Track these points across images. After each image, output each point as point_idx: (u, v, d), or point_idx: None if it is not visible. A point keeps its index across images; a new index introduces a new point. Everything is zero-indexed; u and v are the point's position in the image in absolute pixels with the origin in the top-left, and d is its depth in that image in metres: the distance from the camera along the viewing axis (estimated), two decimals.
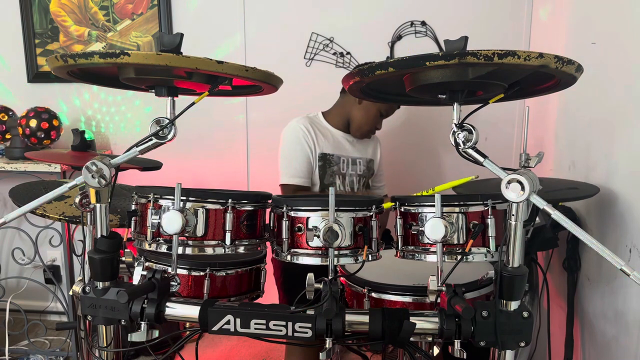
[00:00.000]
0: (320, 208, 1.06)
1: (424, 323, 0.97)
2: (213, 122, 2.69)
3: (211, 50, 2.64)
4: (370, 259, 1.08)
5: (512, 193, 0.88)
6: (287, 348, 1.90)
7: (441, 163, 2.62)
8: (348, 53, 2.54)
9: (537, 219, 1.50)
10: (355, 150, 2.01)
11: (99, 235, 1.02)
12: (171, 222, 1.00)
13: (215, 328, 0.98)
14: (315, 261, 1.06)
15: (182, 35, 0.92)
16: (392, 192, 2.16)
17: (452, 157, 2.51)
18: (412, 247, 1.09)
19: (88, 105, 2.83)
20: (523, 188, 0.87)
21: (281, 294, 1.87)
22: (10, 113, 2.62)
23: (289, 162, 1.89)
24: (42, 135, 2.52)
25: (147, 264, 1.21)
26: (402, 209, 1.11)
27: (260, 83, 1.04)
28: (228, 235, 1.08)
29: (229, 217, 1.08)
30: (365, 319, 0.97)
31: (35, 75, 2.80)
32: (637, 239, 1.27)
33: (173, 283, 1.05)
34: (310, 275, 1.03)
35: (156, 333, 1.04)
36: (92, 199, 1.00)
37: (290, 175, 1.88)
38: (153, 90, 1.04)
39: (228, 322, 0.98)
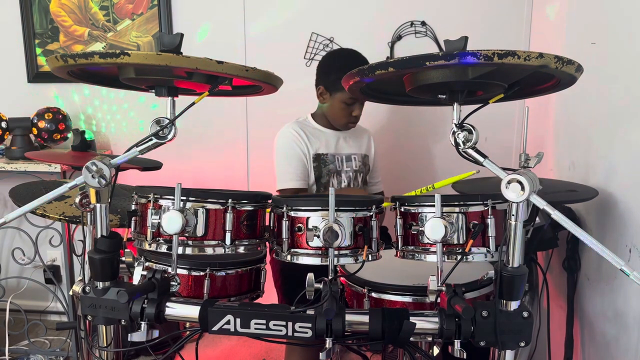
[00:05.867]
0: (320, 208, 1.06)
1: (424, 323, 0.97)
2: (213, 122, 2.69)
3: (211, 51, 2.64)
4: (370, 259, 1.08)
5: (512, 193, 0.88)
6: (287, 348, 1.90)
7: (439, 162, 2.62)
8: None
9: (537, 219, 1.50)
10: (348, 146, 2.01)
11: (99, 235, 1.02)
12: (171, 222, 1.00)
13: (215, 328, 0.99)
14: (315, 261, 1.06)
15: (182, 35, 0.92)
16: (390, 191, 2.16)
17: (451, 157, 2.51)
18: (412, 247, 1.09)
19: (88, 105, 2.83)
20: (523, 188, 0.87)
21: (280, 297, 1.87)
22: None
23: (283, 167, 1.90)
24: (52, 135, 2.57)
25: (147, 264, 1.21)
26: (402, 209, 1.11)
27: (260, 83, 1.04)
28: (228, 235, 1.08)
29: (229, 217, 1.08)
30: (365, 319, 0.97)
31: (35, 75, 2.80)
32: (636, 239, 1.27)
33: (173, 283, 1.05)
34: (310, 275, 1.03)
35: (156, 333, 1.04)
36: (92, 199, 1.00)
37: (286, 180, 1.88)
38: (153, 91, 1.04)
39: (228, 322, 0.98)
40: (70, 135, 2.66)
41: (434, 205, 1.02)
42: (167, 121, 0.99)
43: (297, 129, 1.92)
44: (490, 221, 1.04)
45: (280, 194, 1.90)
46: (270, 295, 1.33)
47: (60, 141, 2.64)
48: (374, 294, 1.18)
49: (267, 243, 1.19)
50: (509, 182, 0.88)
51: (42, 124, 2.55)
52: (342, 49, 1.95)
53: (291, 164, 1.88)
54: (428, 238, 1.01)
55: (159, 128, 0.99)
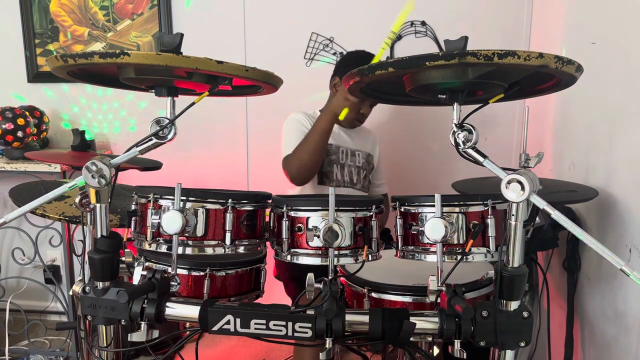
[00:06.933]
0: (320, 208, 1.06)
1: (424, 323, 0.97)
2: (213, 122, 2.69)
3: (211, 50, 2.63)
4: (370, 259, 1.08)
5: (512, 193, 0.88)
6: (296, 348, 1.90)
7: (441, 163, 2.62)
8: None
9: (537, 219, 1.50)
10: (353, 143, 2.03)
11: (99, 235, 1.02)
12: (171, 222, 1.00)
13: (215, 328, 0.99)
14: (315, 261, 1.06)
15: (182, 35, 0.92)
16: (392, 191, 2.17)
17: (452, 157, 2.51)
18: (412, 247, 1.09)
19: (88, 105, 2.83)
20: (523, 188, 0.87)
21: (290, 286, 1.87)
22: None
23: (291, 136, 1.90)
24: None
25: (147, 264, 1.21)
26: (402, 209, 1.11)
27: (260, 83, 1.04)
28: (228, 235, 1.08)
29: (229, 217, 1.08)
30: (365, 319, 0.97)
31: (35, 75, 2.80)
32: (637, 239, 1.27)
33: (173, 283, 1.05)
34: (310, 275, 1.03)
35: (156, 333, 1.04)
36: (92, 199, 1.00)
37: (292, 145, 1.87)
38: (153, 91, 1.04)
39: (228, 322, 0.98)
40: (48, 130, 2.65)
41: (434, 205, 1.02)
42: (167, 121, 0.99)
43: (305, 116, 1.95)
44: (490, 221, 1.04)
45: (284, 162, 1.89)
46: (270, 295, 1.33)
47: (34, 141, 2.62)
48: (374, 294, 1.18)
49: (266, 242, 1.19)
50: (509, 182, 0.88)
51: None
52: (365, 51, 2.00)
53: (299, 133, 1.88)
54: (428, 238, 1.01)
55: (158, 128, 0.99)
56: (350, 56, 2.11)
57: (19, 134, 2.48)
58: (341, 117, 1.78)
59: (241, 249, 1.11)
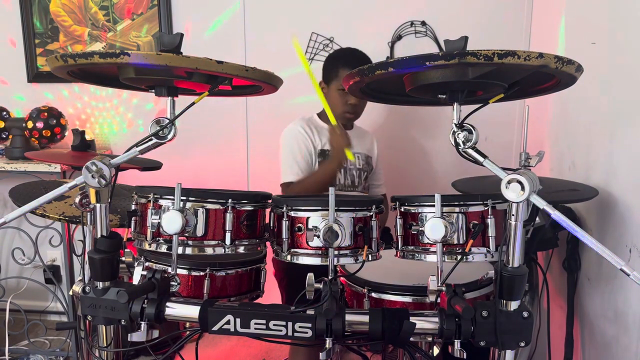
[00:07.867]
0: (320, 208, 1.06)
1: (424, 323, 0.97)
2: (213, 122, 2.69)
3: (211, 50, 2.64)
4: (370, 259, 1.08)
5: (512, 193, 0.88)
6: (292, 348, 1.90)
7: (441, 163, 2.62)
8: None
9: (537, 219, 1.50)
10: (352, 145, 2.02)
11: (99, 235, 1.02)
12: (171, 222, 1.00)
13: (215, 328, 0.99)
14: (315, 261, 1.06)
15: (182, 35, 0.92)
16: (392, 192, 2.17)
17: (452, 157, 2.51)
18: (412, 247, 1.09)
19: (88, 105, 2.83)
20: (523, 188, 0.87)
21: (284, 296, 1.87)
22: (4, 113, 2.61)
23: (289, 160, 1.91)
24: (49, 134, 2.55)
25: (147, 264, 1.21)
26: (402, 209, 1.11)
27: (260, 83, 1.04)
28: (228, 235, 1.08)
29: (229, 217, 1.08)
30: (365, 319, 0.97)
31: (35, 75, 2.80)
32: (637, 239, 1.27)
33: (173, 283, 1.05)
34: (310, 275, 1.03)
35: (156, 333, 1.04)
36: (92, 199, 1.00)
37: (291, 173, 1.89)
38: (153, 90, 1.04)
39: (228, 322, 0.98)
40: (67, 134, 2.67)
41: (434, 205, 1.02)
42: (167, 121, 0.99)
43: (303, 125, 1.94)
44: (490, 221, 1.04)
45: (283, 188, 1.90)
46: (270, 295, 1.33)
47: (55, 141, 2.64)
48: (374, 294, 1.18)
49: (266, 243, 1.19)
50: (509, 182, 0.88)
51: (34, 124, 2.53)
52: (350, 48, 2.02)
53: (296, 158, 1.89)
54: (428, 238, 1.01)
55: (158, 128, 0.99)
56: (332, 52, 2.13)
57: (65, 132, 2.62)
58: (349, 156, 1.78)
59: (241, 249, 1.11)
